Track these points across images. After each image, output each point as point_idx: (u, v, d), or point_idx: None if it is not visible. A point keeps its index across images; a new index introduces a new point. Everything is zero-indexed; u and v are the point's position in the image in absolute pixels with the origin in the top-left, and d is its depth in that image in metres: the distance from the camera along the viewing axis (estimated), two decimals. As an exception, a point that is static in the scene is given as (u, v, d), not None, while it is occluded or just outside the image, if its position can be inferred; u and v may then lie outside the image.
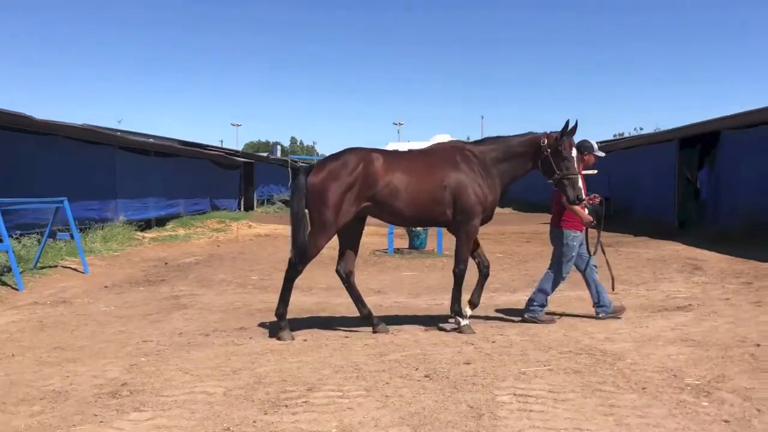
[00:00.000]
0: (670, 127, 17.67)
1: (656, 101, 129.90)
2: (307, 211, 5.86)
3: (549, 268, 6.65)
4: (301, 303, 7.98)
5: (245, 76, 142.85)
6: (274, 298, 8.17)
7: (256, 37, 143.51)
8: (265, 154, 37.57)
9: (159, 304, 8.06)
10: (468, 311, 6.22)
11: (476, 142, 6.38)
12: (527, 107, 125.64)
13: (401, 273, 10.63)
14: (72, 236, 11.13)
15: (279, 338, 5.86)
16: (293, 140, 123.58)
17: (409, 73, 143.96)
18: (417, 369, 4.84)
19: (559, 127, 6.00)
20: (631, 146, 21.96)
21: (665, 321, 6.46)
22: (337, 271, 6.29)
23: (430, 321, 6.62)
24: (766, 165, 13.79)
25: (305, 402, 4.15)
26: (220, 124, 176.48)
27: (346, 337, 6.04)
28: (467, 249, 6.08)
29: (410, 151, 7.07)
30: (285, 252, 14.80)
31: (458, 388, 4.38)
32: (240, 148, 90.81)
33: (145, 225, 18.47)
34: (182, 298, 8.45)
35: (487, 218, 6.14)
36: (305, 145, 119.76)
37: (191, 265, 12.14)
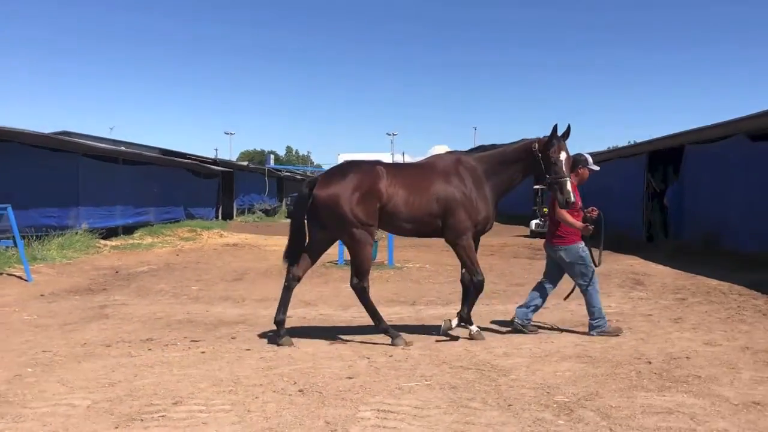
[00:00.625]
0: (641, 141, 17.70)
1: (642, 113, 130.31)
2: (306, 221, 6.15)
3: (543, 283, 6.72)
4: (224, 315, 7.95)
5: (240, 84, 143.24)
6: (201, 310, 8.24)
7: (252, 45, 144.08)
8: (245, 163, 37.60)
9: (83, 313, 8.02)
10: (454, 323, 6.30)
11: (472, 151, 6.45)
12: (519, 118, 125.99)
13: (343, 285, 10.58)
14: (15, 243, 11.08)
15: (279, 344, 6.04)
16: (289, 149, 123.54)
17: (404, 84, 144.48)
18: (295, 383, 4.81)
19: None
20: (604, 160, 22.05)
21: (573, 337, 6.43)
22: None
23: (351, 331, 6.60)
24: (724, 180, 13.82)
25: (162, 416, 4.11)
26: (215, 133, 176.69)
27: (248, 349, 6.00)
28: (473, 259, 6.15)
29: (410, 164, 7.30)
30: (243, 262, 15.09)
31: (326, 403, 4.35)
32: (235, 156, 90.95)
33: (111, 233, 18.43)
34: (109, 307, 8.41)
35: (481, 231, 6.22)
36: (300, 154, 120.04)
37: (141, 274, 12.10)
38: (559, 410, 4.18)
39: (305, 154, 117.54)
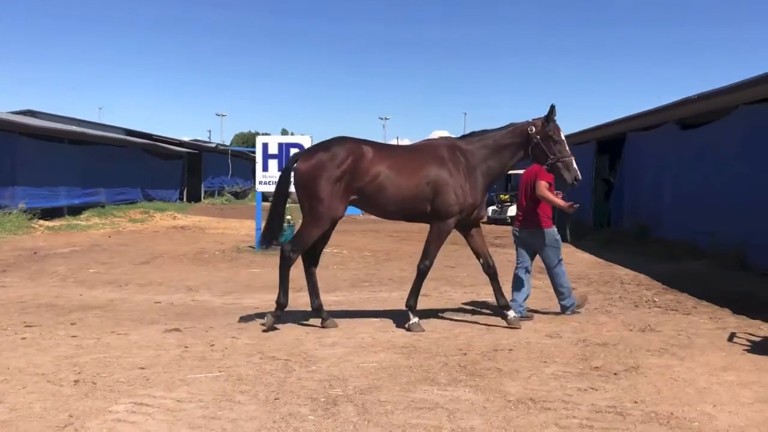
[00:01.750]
0: (588, 127, 17.47)
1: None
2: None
3: (519, 273, 6.78)
4: (94, 300, 7.76)
5: (234, 66, 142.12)
6: (75, 293, 8.05)
7: (246, 25, 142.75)
8: (213, 145, 37.21)
9: (-49, 295, 7.82)
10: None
11: (464, 137, 6.31)
12: (510, 104, 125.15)
13: (246, 270, 10.42)
14: None
15: (264, 325, 5.99)
16: (284, 131, 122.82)
17: (398, 69, 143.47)
18: (80, 373, 4.63)
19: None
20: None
21: (430, 325, 6.22)
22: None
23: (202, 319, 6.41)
24: (658, 169, 13.63)
25: None
26: (209, 116, 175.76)
27: (74, 336, 5.80)
28: (436, 247, 6.06)
29: (400, 145, 6.88)
30: (171, 246, 14.81)
31: (90, 395, 4.16)
32: (229, 139, 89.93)
33: (56, 213, 18.20)
34: (-14, 289, 8.22)
35: (466, 218, 6.08)
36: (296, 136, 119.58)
37: (55, 255, 11.88)
38: (324, 404, 4.00)
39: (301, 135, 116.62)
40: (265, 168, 12.52)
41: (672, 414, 3.87)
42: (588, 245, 13.96)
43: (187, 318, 6.63)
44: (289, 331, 6.06)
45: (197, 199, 31.05)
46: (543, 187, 6.45)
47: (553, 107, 5.94)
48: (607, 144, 17.65)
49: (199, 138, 42.12)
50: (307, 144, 12.47)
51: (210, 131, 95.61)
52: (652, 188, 13.84)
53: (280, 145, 12.54)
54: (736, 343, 5.68)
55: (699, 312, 7.16)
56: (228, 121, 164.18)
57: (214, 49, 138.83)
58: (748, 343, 5.61)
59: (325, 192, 5.69)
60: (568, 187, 6.19)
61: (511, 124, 6.18)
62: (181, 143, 31.61)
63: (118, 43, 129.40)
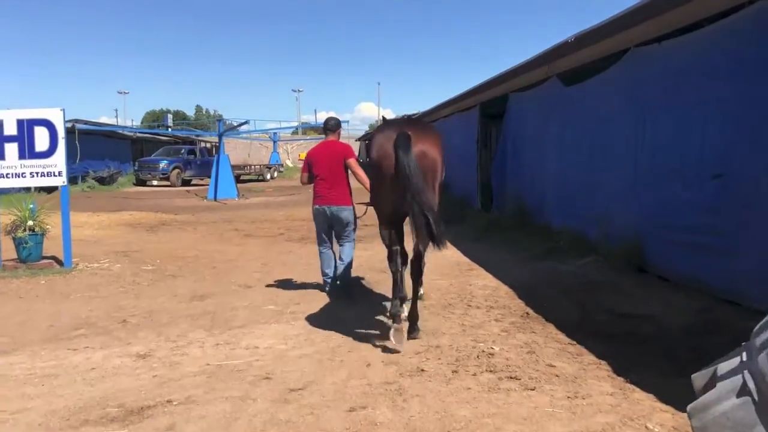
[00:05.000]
0: (472, 87, 14.42)
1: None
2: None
3: (342, 246, 6.72)
4: None
5: (137, 40, 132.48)
6: None
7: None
8: (69, 124, 32.20)
9: None
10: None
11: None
12: (423, 73, 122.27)
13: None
14: None
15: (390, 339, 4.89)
16: (198, 109, 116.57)
17: (309, 40, 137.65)
18: None
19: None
20: (450, 114, 18.90)
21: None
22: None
23: None
24: (542, 138, 10.74)
25: None
26: (114, 94, 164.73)
27: None
28: None
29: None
30: None
31: None
32: (139, 118, 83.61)
33: None
34: None
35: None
36: (211, 113, 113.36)
37: None
38: None
39: (218, 113, 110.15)
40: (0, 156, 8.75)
41: None
42: (462, 235, 11.05)
43: None
44: None
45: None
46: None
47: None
48: (495, 109, 14.71)
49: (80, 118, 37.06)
50: (58, 119, 8.84)
51: (117, 110, 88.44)
52: (535, 163, 10.99)
53: (20, 123, 8.78)
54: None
55: (558, 377, 4.17)
56: (136, 100, 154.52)
57: (116, 22, 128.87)
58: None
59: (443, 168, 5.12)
60: None
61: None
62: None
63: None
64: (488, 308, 6.13)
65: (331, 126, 6.71)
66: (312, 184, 6.61)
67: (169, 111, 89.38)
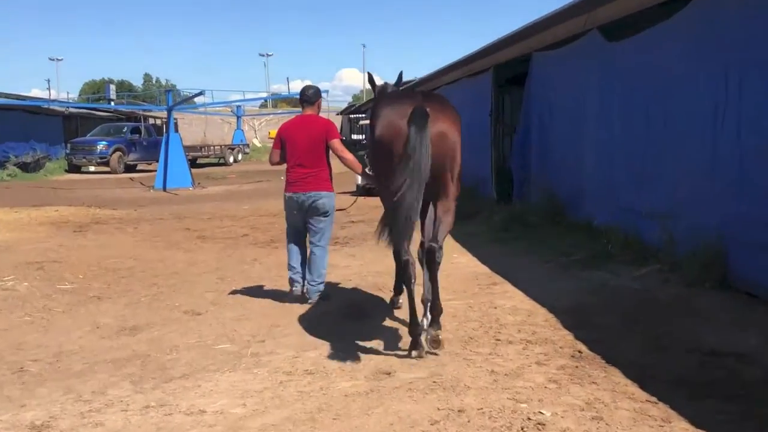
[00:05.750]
0: (483, 46, 13.52)
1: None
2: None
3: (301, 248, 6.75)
4: None
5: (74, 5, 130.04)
6: None
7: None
8: None
9: None
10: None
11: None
12: (417, 33, 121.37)
13: None
14: None
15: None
16: (147, 78, 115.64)
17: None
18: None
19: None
20: (456, 79, 18.05)
21: None
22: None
23: None
24: (580, 107, 9.93)
25: None
26: (41, 60, 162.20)
27: None
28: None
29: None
30: None
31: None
32: (77, 90, 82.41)
33: None
34: None
35: None
36: (163, 84, 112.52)
37: None
38: None
39: (171, 83, 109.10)
40: None
41: None
42: (476, 234, 10.27)
43: None
44: None
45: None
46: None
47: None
48: (512, 72, 13.87)
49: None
50: None
51: (48, 80, 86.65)
52: (569, 141, 10.20)
53: None
54: None
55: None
56: (72, 69, 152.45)
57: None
58: None
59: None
60: None
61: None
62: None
63: None
64: (524, 344, 5.31)
65: (309, 96, 6.58)
66: (284, 166, 6.59)
67: (111, 81, 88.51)
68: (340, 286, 7.46)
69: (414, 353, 4.92)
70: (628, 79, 8.50)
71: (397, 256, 5.17)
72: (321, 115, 6.73)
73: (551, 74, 10.97)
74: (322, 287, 6.62)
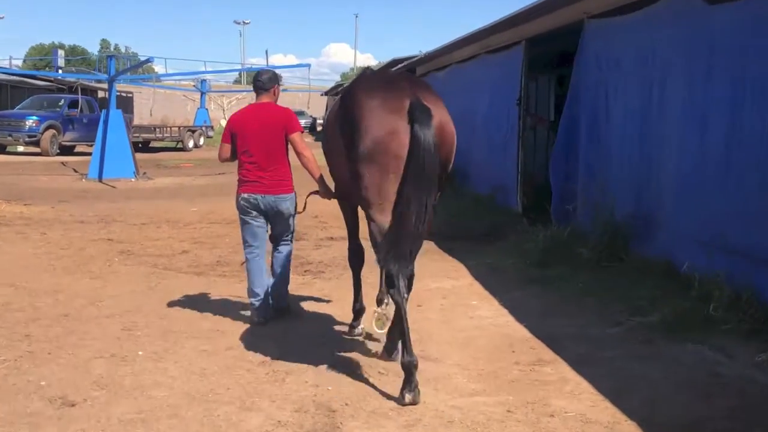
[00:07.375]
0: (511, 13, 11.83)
1: None
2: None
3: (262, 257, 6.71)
4: None
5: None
6: None
7: None
8: None
9: None
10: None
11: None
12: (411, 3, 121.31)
13: None
14: None
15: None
16: (104, 44, 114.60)
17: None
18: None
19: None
20: (471, 56, 16.32)
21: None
22: None
23: None
24: (660, 94, 8.27)
25: None
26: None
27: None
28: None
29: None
30: None
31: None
32: (23, 54, 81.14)
33: None
34: None
35: None
36: (122, 50, 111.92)
37: None
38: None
39: (131, 50, 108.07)
40: None
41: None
42: (501, 268, 8.50)
43: None
44: None
45: None
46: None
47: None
48: (552, 47, 12.19)
49: None
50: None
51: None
52: (639, 143, 8.52)
53: None
54: None
55: None
56: (16, 30, 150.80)
57: None
58: None
59: None
60: None
61: None
62: None
63: None
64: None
65: (263, 82, 6.54)
66: (235, 163, 6.65)
67: (61, 46, 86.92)
68: (303, 379, 5.54)
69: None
70: (738, 59, 6.80)
71: (391, 281, 4.87)
72: (280, 104, 6.67)
73: (614, 50, 9.30)
74: (288, 282, 6.82)
